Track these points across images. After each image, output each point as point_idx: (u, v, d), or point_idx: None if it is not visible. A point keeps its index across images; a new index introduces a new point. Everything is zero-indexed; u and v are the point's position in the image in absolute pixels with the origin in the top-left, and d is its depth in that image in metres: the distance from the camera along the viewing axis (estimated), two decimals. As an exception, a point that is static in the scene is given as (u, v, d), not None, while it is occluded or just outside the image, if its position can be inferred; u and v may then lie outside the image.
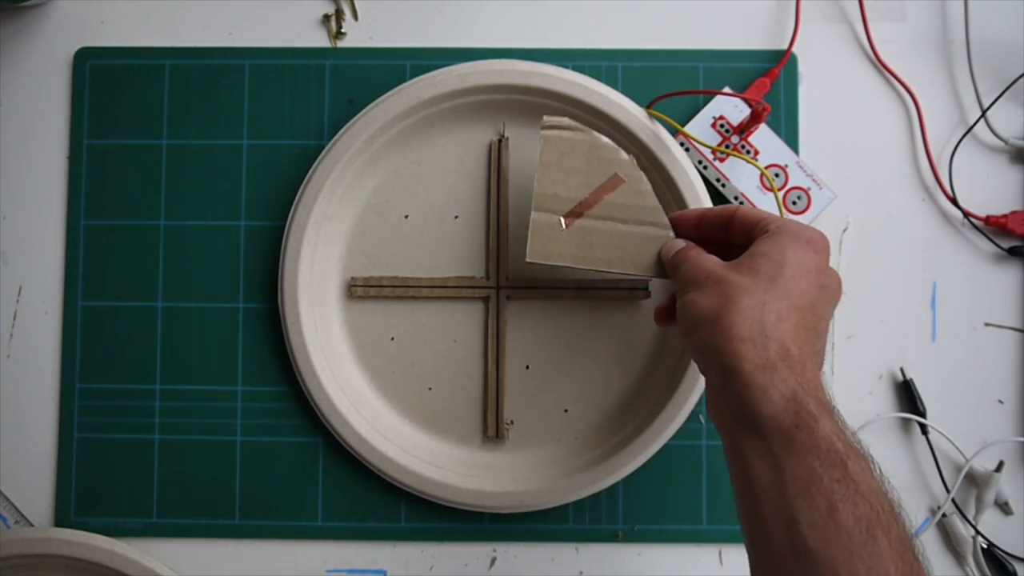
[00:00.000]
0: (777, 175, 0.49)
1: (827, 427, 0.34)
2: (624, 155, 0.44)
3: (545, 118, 0.45)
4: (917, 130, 0.50)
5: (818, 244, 0.38)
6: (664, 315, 0.44)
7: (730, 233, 0.41)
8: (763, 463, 0.34)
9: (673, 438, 0.47)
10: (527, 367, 0.49)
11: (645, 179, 0.44)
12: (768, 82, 0.48)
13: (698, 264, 0.39)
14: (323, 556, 0.49)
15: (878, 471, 0.34)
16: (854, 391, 0.49)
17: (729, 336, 0.35)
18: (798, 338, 0.36)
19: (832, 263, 0.49)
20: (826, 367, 0.49)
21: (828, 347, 0.49)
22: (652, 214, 0.44)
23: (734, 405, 0.35)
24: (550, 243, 0.44)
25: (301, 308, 0.47)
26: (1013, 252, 0.49)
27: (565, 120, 0.45)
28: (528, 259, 0.44)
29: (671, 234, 0.43)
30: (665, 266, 0.43)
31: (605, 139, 0.45)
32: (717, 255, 0.40)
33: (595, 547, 0.49)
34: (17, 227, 0.50)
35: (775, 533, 0.33)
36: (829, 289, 0.38)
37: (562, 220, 0.44)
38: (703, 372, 0.38)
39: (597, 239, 0.44)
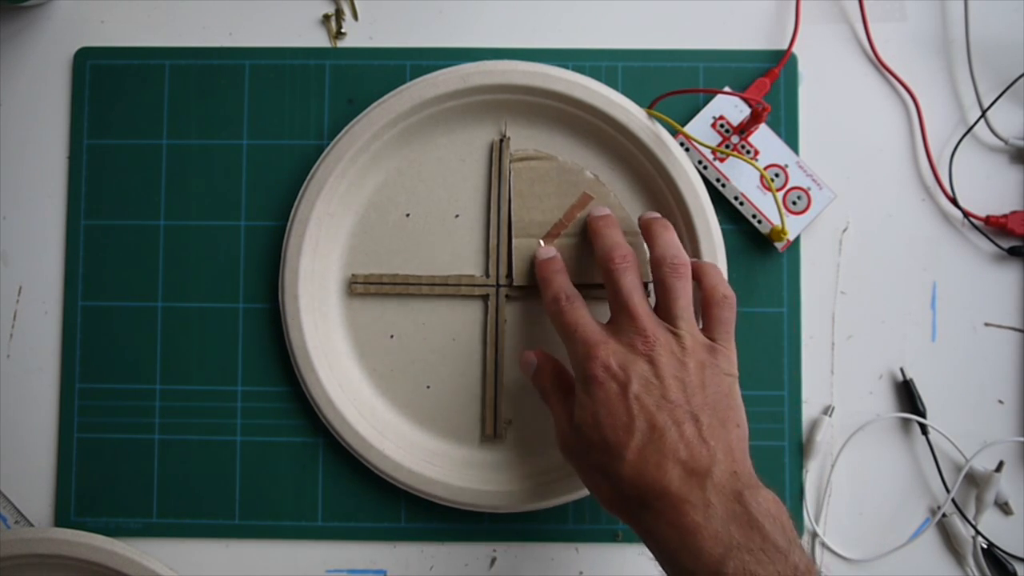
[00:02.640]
0: (777, 175, 0.49)
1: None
2: (589, 174, 0.48)
3: (513, 151, 0.48)
4: (917, 130, 0.50)
5: (597, 375, 0.39)
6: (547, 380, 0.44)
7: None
8: None
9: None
10: (527, 367, 0.49)
11: (612, 193, 0.48)
12: (768, 82, 0.48)
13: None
14: (323, 556, 0.49)
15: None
16: (854, 391, 0.49)
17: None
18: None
19: (832, 263, 0.49)
20: (826, 367, 0.49)
21: (828, 347, 0.49)
22: (622, 224, 0.46)
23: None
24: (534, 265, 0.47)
25: (301, 304, 0.47)
26: (1013, 252, 0.49)
27: (531, 150, 0.48)
28: (515, 284, 0.48)
29: (641, 239, 0.46)
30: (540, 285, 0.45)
31: (570, 162, 0.48)
32: None
33: (595, 547, 0.49)
34: (17, 227, 0.50)
35: None
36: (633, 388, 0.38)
37: (541, 243, 0.48)
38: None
39: (576, 254, 0.48)
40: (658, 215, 0.45)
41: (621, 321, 0.41)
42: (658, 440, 0.37)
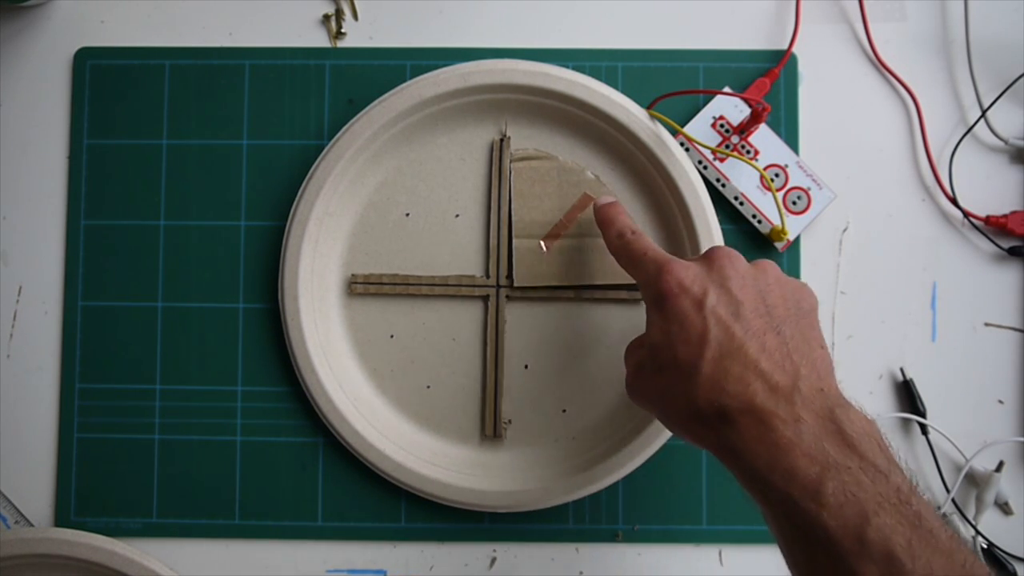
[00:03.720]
0: (777, 175, 0.49)
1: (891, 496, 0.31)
2: (590, 174, 0.48)
3: (513, 150, 0.48)
4: (917, 130, 0.50)
5: (671, 290, 0.36)
6: None
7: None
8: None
9: (673, 438, 0.47)
10: (526, 366, 0.49)
11: (611, 194, 0.48)
12: (768, 82, 0.48)
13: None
14: (323, 556, 0.49)
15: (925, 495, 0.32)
16: (854, 391, 0.48)
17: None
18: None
19: (832, 263, 0.49)
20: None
21: (828, 347, 0.49)
22: None
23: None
24: (535, 266, 0.48)
25: (301, 304, 0.47)
26: (1013, 252, 0.49)
27: (531, 150, 0.48)
28: (516, 284, 0.48)
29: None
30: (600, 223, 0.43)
31: (570, 162, 0.48)
32: None
33: (595, 547, 0.49)
34: (17, 227, 0.50)
35: None
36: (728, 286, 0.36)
37: (542, 243, 0.48)
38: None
39: (577, 256, 0.48)
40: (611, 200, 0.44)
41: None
42: (737, 351, 0.34)
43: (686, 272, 0.37)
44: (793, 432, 0.32)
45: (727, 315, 0.35)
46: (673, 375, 0.35)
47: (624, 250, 0.41)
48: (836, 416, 0.33)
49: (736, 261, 0.37)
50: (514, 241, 0.48)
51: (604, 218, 0.43)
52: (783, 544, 0.34)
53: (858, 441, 0.32)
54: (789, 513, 0.32)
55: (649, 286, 0.38)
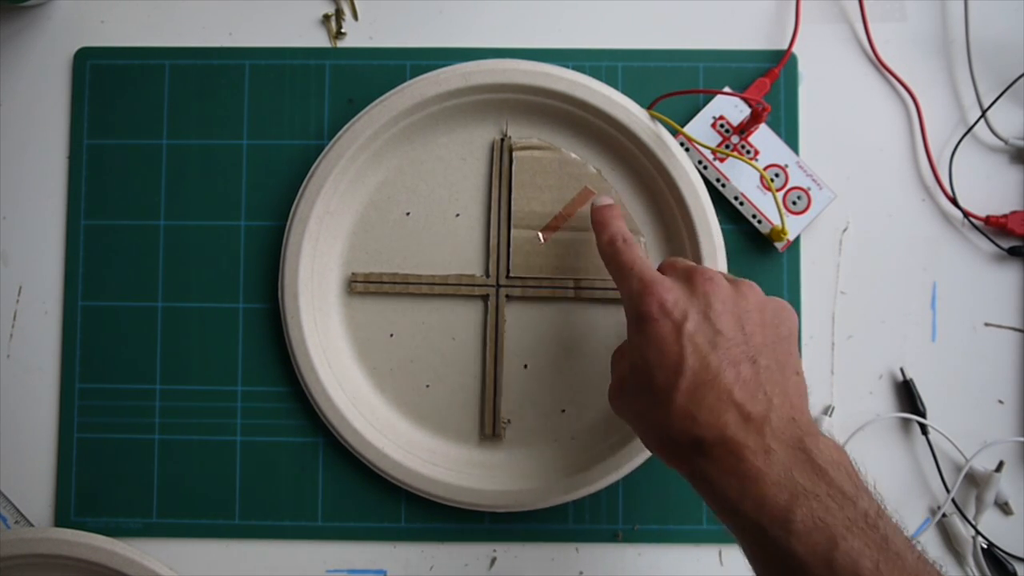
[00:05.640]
0: (777, 175, 0.49)
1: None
2: (592, 168, 0.48)
3: (515, 140, 0.48)
4: (917, 130, 0.50)
5: (652, 311, 0.36)
6: None
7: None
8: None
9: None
10: (525, 366, 0.49)
11: (613, 189, 0.48)
12: (768, 82, 0.48)
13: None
14: (323, 556, 0.49)
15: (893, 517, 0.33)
16: (854, 391, 0.49)
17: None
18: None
19: (832, 263, 0.49)
20: (826, 367, 0.49)
21: (828, 347, 0.49)
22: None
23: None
24: (531, 257, 0.48)
25: (301, 303, 0.47)
26: (1013, 252, 0.49)
27: (535, 140, 0.48)
28: (511, 274, 0.48)
29: (642, 239, 0.48)
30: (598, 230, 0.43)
31: (573, 155, 0.48)
32: None
33: (595, 547, 0.49)
34: (17, 227, 0.50)
35: None
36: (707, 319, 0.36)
37: (540, 235, 0.48)
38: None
39: (574, 249, 0.48)
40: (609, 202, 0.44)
41: (666, 275, 0.39)
42: (712, 381, 0.34)
43: (668, 294, 0.37)
44: (763, 462, 0.33)
45: (704, 343, 0.35)
46: (649, 400, 0.36)
47: (613, 258, 0.41)
48: (806, 445, 0.34)
49: (718, 286, 0.37)
50: (512, 231, 0.48)
51: (599, 220, 0.43)
52: (757, 570, 0.35)
53: (826, 468, 0.33)
54: (760, 541, 0.33)
55: (632, 303, 0.38)
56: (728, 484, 0.34)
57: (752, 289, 0.38)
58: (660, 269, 0.40)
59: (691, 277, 0.38)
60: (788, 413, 0.35)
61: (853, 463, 0.34)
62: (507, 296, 0.49)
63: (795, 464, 0.33)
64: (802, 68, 0.50)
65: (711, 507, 0.36)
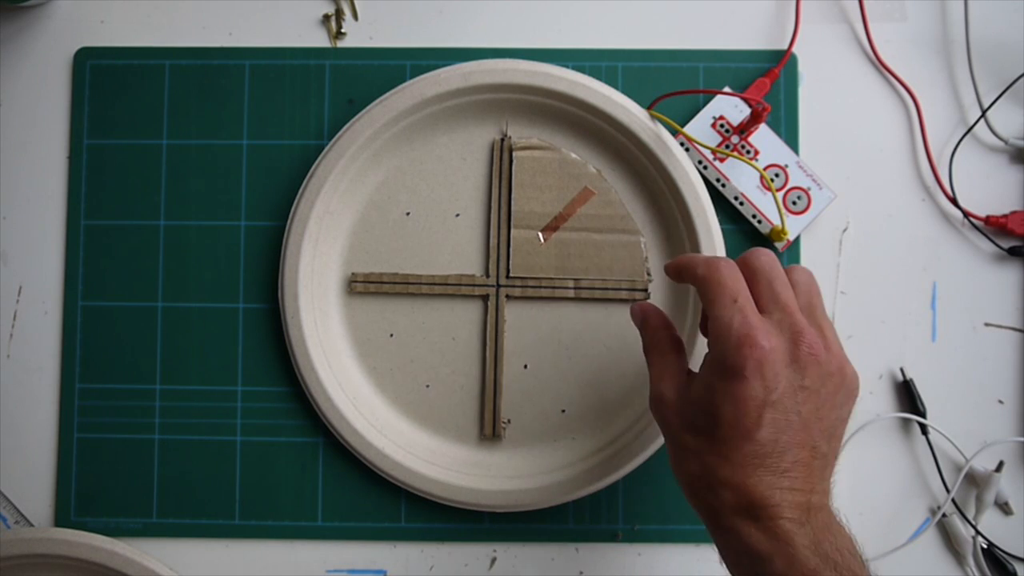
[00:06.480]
0: (777, 175, 0.49)
1: None
2: (592, 168, 0.48)
3: (515, 140, 0.48)
4: (917, 130, 0.50)
5: (746, 370, 0.34)
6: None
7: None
8: None
9: (673, 438, 0.47)
10: (525, 366, 0.49)
11: (613, 190, 0.48)
12: (768, 82, 0.48)
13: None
14: (323, 556, 0.49)
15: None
16: (854, 391, 0.49)
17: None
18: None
19: (832, 263, 0.49)
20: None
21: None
22: (622, 222, 0.48)
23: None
24: (531, 257, 0.48)
25: (301, 302, 0.47)
26: (1013, 252, 0.49)
27: (535, 140, 0.48)
28: (511, 274, 0.48)
29: (641, 239, 0.48)
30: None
31: (573, 155, 0.48)
32: None
33: (595, 547, 0.49)
34: (17, 227, 0.50)
35: None
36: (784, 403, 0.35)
37: (540, 235, 0.48)
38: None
39: (574, 249, 0.48)
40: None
41: (754, 288, 0.37)
42: (775, 462, 0.34)
43: (768, 356, 0.35)
44: (797, 528, 0.34)
45: (782, 421, 0.35)
46: (704, 444, 0.36)
47: (711, 275, 0.37)
48: (833, 529, 0.35)
49: (818, 361, 0.35)
50: (512, 231, 0.48)
51: (712, 280, 0.37)
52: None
53: (840, 556, 0.34)
54: None
55: (724, 343, 0.35)
56: (760, 554, 0.34)
57: (844, 370, 0.37)
58: (741, 263, 0.38)
59: (796, 340, 0.35)
60: (821, 500, 0.36)
61: (857, 544, 0.36)
62: (507, 296, 0.49)
63: (822, 539, 0.34)
64: (802, 68, 0.50)
65: (725, 561, 0.37)
